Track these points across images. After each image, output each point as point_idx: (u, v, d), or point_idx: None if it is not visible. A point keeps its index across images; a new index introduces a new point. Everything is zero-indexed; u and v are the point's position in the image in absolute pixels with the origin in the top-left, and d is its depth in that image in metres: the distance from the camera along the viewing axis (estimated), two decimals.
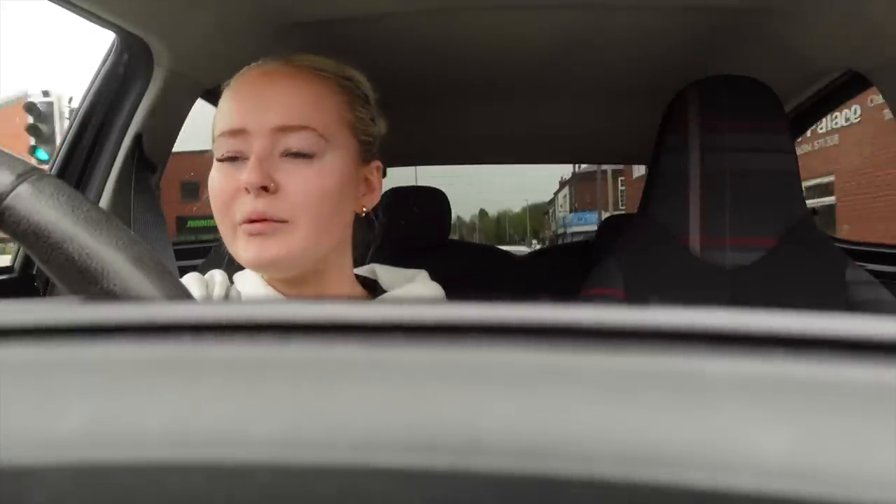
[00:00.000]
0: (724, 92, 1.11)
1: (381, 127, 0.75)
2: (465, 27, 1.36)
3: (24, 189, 0.29)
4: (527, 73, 1.65)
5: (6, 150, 0.30)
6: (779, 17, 1.22)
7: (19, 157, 0.30)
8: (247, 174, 0.63)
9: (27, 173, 0.29)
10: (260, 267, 0.66)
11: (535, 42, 1.44)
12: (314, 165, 0.65)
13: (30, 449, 0.14)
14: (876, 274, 1.10)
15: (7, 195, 0.28)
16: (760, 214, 1.09)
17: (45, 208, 0.29)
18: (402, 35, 1.40)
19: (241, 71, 0.70)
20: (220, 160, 0.67)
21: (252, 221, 0.63)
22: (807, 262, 1.07)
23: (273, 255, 0.64)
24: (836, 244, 1.20)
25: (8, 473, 0.14)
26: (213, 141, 0.69)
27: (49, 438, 0.15)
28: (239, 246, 0.65)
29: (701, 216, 1.10)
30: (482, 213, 54.38)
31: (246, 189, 0.63)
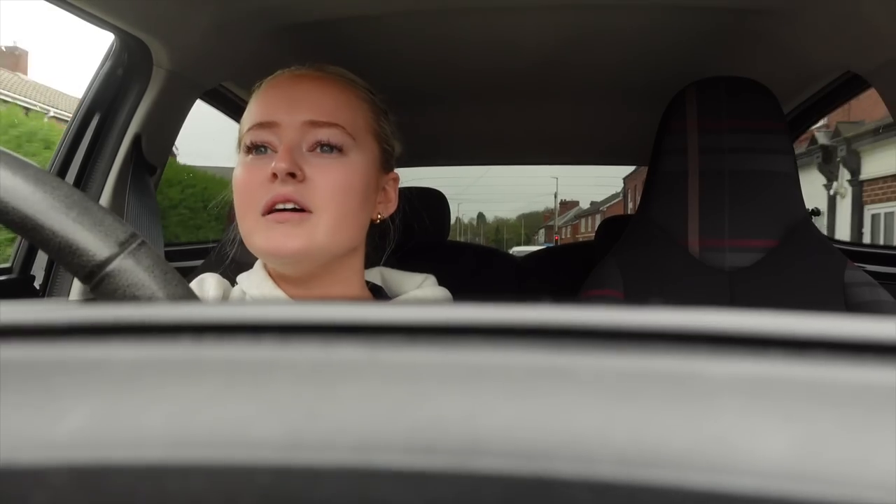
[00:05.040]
0: (722, 93, 1.12)
1: (398, 146, 0.78)
2: (463, 28, 1.36)
3: (125, 261, 0.29)
4: (525, 74, 1.65)
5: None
6: (778, 18, 1.22)
7: (120, 221, 0.30)
8: (276, 161, 0.64)
9: (129, 241, 0.30)
10: (280, 257, 0.67)
11: (533, 43, 1.44)
12: (341, 161, 0.67)
13: (30, 449, 0.14)
14: (874, 275, 1.11)
15: (109, 263, 0.29)
16: (759, 215, 1.10)
17: (142, 282, 0.29)
18: (400, 36, 1.40)
19: (273, 75, 0.72)
20: (247, 153, 0.69)
21: (276, 210, 0.64)
22: (806, 264, 1.07)
23: (295, 246, 0.64)
24: (835, 245, 1.20)
25: (8, 474, 0.14)
26: (239, 142, 0.70)
27: (49, 439, 0.15)
28: (260, 236, 0.66)
29: (700, 217, 1.10)
30: (480, 216, 56.46)
31: (274, 175, 0.64)
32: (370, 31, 1.36)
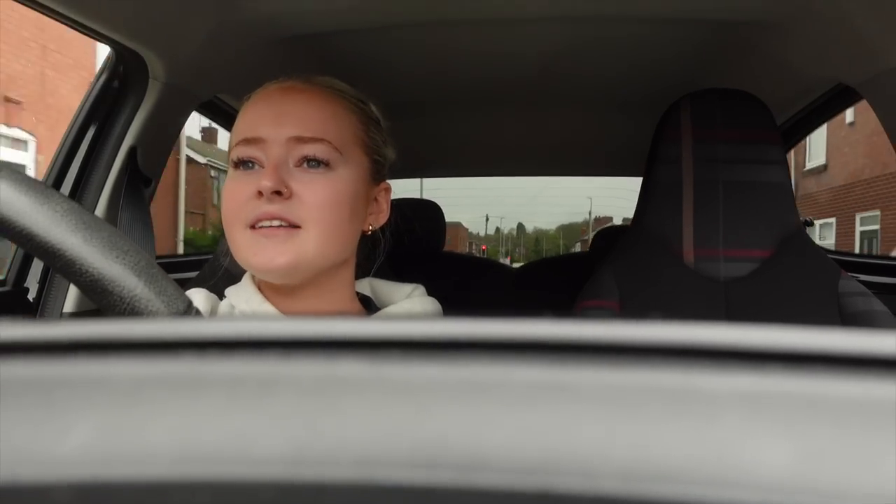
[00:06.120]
0: (716, 104, 1.12)
1: (390, 153, 0.77)
2: (460, 40, 1.37)
3: None
4: (521, 85, 1.66)
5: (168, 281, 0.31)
6: (771, 31, 1.23)
7: (179, 290, 0.31)
8: (262, 179, 0.64)
9: (186, 312, 0.31)
10: (268, 273, 0.67)
11: (529, 55, 1.45)
12: (328, 176, 0.67)
13: (34, 466, 0.14)
14: (868, 285, 1.11)
15: None
16: (753, 226, 1.10)
17: None
18: (396, 49, 1.41)
19: (262, 87, 0.72)
20: (235, 168, 0.68)
21: (263, 226, 0.64)
22: (800, 274, 1.08)
23: (283, 262, 0.64)
24: (829, 255, 1.20)
25: (12, 491, 0.14)
26: (229, 153, 0.70)
27: (53, 455, 0.15)
28: (248, 251, 0.65)
29: (694, 227, 1.11)
30: (520, 227, 57.50)
31: (259, 193, 0.64)
32: (367, 43, 1.36)
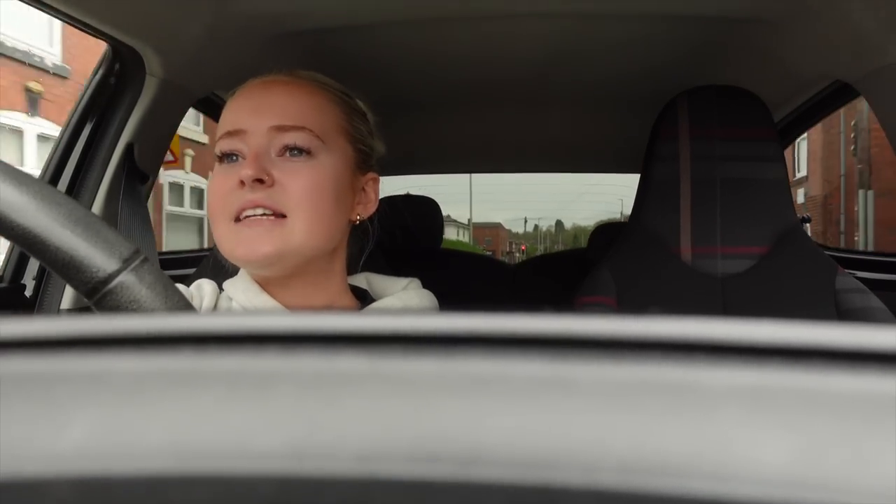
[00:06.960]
0: (713, 101, 1.13)
1: (379, 146, 0.77)
2: (456, 37, 1.37)
3: (128, 277, 0.30)
4: (518, 82, 1.66)
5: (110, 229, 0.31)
6: (768, 28, 1.23)
7: (123, 238, 0.30)
8: (243, 168, 0.64)
9: (132, 258, 0.30)
10: (252, 262, 0.67)
11: (526, 52, 1.45)
12: (310, 164, 0.67)
13: (33, 461, 0.14)
14: (865, 281, 1.11)
15: (112, 280, 0.29)
16: (751, 223, 1.10)
17: (144, 298, 0.30)
18: (392, 45, 1.41)
19: (246, 82, 0.72)
20: (219, 161, 0.69)
21: (247, 215, 0.64)
22: (797, 271, 1.08)
23: (266, 251, 0.64)
24: (826, 252, 1.21)
25: (11, 486, 0.14)
26: (214, 148, 0.70)
27: (52, 451, 0.15)
28: (233, 242, 0.65)
29: (692, 224, 1.11)
30: (559, 223, 57.85)
31: (242, 183, 0.64)
32: (363, 40, 1.36)
